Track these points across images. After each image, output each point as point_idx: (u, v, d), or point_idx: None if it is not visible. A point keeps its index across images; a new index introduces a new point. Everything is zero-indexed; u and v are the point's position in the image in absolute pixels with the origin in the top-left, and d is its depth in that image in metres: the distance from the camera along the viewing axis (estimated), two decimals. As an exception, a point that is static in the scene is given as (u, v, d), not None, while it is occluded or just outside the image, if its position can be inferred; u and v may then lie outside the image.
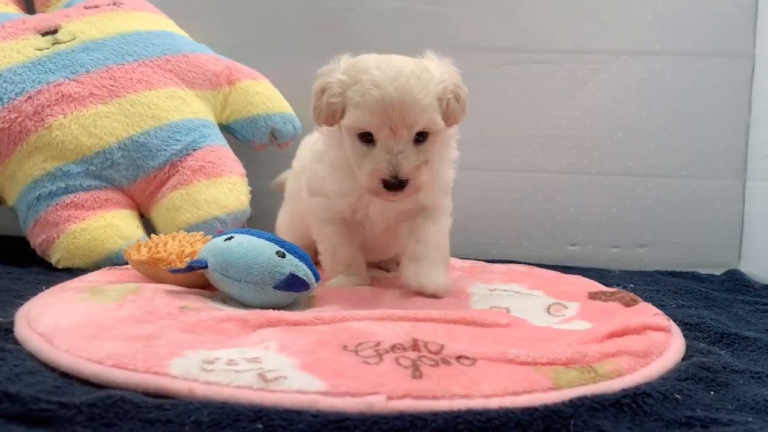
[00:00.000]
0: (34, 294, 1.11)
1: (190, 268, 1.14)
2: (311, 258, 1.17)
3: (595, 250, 1.86)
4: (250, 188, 1.72)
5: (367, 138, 1.12)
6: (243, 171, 1.71)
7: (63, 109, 1.55)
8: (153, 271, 1.19)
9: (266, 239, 1.16)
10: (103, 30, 1.67)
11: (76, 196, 1.53)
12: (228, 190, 1.64)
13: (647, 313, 1.10)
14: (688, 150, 1.83)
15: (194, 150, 1.63)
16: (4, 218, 1.76)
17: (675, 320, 1.09)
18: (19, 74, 1.57)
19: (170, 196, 1.60)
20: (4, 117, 1.53)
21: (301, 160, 1.42)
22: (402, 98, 1.07)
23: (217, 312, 1.01)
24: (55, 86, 1.57)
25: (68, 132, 1.54)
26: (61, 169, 1.54)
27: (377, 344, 0.85)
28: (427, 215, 1.25)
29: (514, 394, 0.73)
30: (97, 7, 1.74)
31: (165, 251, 1.19)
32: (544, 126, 1.86)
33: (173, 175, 1.61)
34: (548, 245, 1.86)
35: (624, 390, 0.77)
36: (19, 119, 1.54)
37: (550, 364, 0.83)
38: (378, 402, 0.68)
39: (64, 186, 1.53)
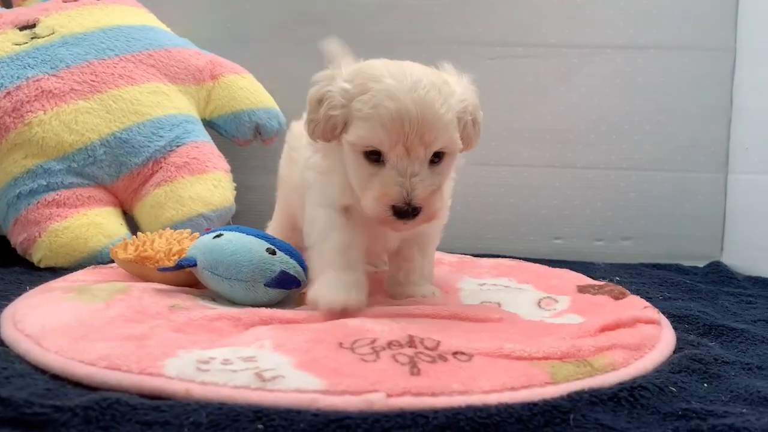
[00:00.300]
0: (18, 294, 1.09)
1: (179, 266, 1.12)
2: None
3: (579, 243, 1.87)
4: (235, 184, 1.70)
5: (375, 156, 0.96)
6: (228, 167, 1.70)
7: (43, 105, 1.52)
8: (140, 270, 1.18)
9: (256, 236, 1.15)
10: (82, 24, 1.64)
11: (57, 194, 1.51)
12: (213, 186, 1.62)
13: (637, 306, 1.10)
14: (670, 143, 1.85)
15: (178, 146, 1.61)
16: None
17: (663, 312, 1.10)
18: (-3, 69, 1.54)
19: (154, 193, 1.58)
20: (-18, 113, 1.51)
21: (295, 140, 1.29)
22: (421, 112, 0.92)
23: (208, 311, 1.00)
24: (34, 82, 1.54)
25: (49, 128, 1.51)
26: (42, 166, 1.51)
27: (373, 341, 0.84)
28: (415, 241, 1.16)
29: (513, 389, 0.73)
30: (76, 0, 1.71)
31: (152, 249, 1.17)
32: (528, 120, 1.86)
33: (157, 171, 1.59)
34: (534, 239, 1.87)
35: (620, 383, 0.77)
36: (-2, 115, 1.51)
37: (546, 358, 0.83)
38: (378, 400, 0.68)
39: (45, 183, 1.51)
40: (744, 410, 0.74)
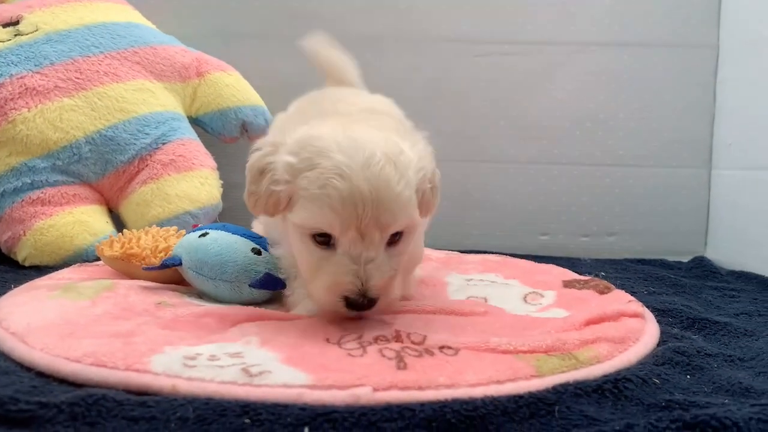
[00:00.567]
0: (2, 293, 1.08)
1: (164, 266, 1.12)
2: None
3: (565, 239, 1.89)
4: (222, 182, 1.70)
5: (324, 239, 0.87)
6: (214, 164, 1.69)
7: (27, 103, 1.51)
8: (126, 267, 1.17)
9: (241, 235, 1.14)
10: (66, 21, 1.63)
11: (42, 192, 1.50)
12: (199, 183, 1.62)
13: (621, 300, 1.11)
14: (654, 139, 1.87)
15: (164, 143, 1.61)
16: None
17: (647, 306, 1.11)
18: (-20, 67, 1.53)
19: (140, 191, 1.57)
20: (-35, 111, 1.49)
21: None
22: (375, 192, 0.83)
23: (195, 307, 1.00)
24: (18, 79, 1.52)
25: (33, 126, 1.50)
26: (26, 164, 1.50)
27: (360, 336, 0.85)
28: None
29: (499, 382, 0.74)
30: (60, -3, 1.70)
31: (138, 247, 1.17)
32: (513, 117, 1.87)
33: (143, 169, 1.59)
34: (520, 235, 1.88)
35: (605, 376, 0.78)
36: (-19, 113, 1.50)
37: (531, 352, 0.84)
38: (364, 394, 0.68)
39: (29, 181, 1.49)
40: (726, 401, 0.75)
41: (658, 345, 0.95)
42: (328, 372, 0.73)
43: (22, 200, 1.49)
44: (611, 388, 0.74)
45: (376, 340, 0.84)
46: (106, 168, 1.56)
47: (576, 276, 1.32)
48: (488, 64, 1.87)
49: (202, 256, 1.09)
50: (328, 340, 0.84)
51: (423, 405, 0.66)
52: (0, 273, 1.37)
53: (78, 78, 1.56)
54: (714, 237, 1.85)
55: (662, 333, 1.00)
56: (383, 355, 0.79)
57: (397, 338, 0.86)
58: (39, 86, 1.53)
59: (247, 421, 0.62)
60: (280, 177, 0.88)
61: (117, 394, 0.66)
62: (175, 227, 1.29)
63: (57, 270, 1.29)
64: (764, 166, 1.62)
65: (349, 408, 0.65)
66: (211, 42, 1.84)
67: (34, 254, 1.47)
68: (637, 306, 1.06)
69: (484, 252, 1.67)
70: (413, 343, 0.84)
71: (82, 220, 1.50)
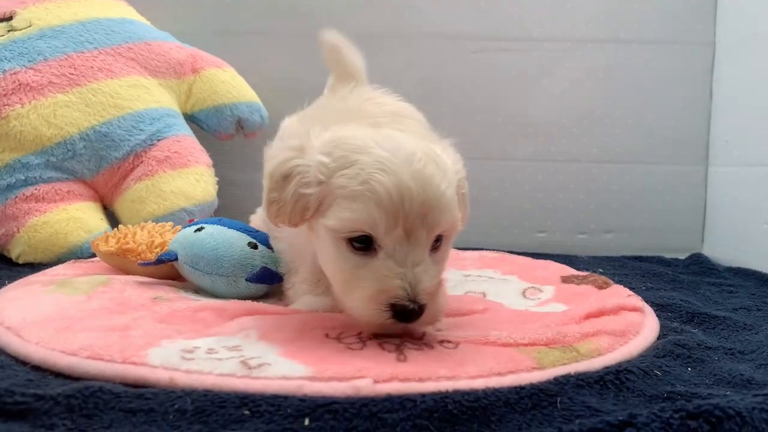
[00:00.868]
0: (-4, 290, 1.07)
1: (159, 261, 1.11)
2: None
3: (562, 236, 1.88)
4: (217, 179, 1.69)
5: (362, 244, 0.79)
6: (209, 161, 1.68)
7: (20, 99, 1.50)
8: (122, 263, 1.16)
9: (238, 230, 1.13)
10: (60, 17, 1.62)
11: (36, 189, 1.49)
12: (195, 180, 1.61)
13: (620, 294, 1.11)
14: (651, 137, 1.86)
15: (159, 140, 1.60)
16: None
17: (646, 302, 1.11)
18: (-27, 62, 1.52)
19: (135, 188, 1.56)
20: (-42, 107, 1.48)
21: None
22: (422, 189, 0.77)
23: (192, 302, 0.99)
24: (11, 75, 1.51)
25: (27, 122, 1.49)
26: (20, 160, 1.48)
27: (359, 333, 0.84)
28: None
29: (500, 374, 0.73)
30: (53, -8, 1.69)
31: (134, 242, 1.16)
32: (511, 114, 1.87)
33: (138, 165, 1.58)
34: (517, 232, 1.88)
35: (606, 368, 0.77)
36: (-26, 109, 1.48)
37: (531, 344, 0.83)
38: (365, 386, 0.68)
39: (23, 178, 1.48)
40: (728, 392, 0.74)
41: (658, 338, 0.95)
42: (328, 364, 0.72)
43: (16, 197, 1.47)
44: (613, 380, 0.74)
45: (375, 335, 0.83)
46: (101, 164, 1.55)
47: (574, 272, 1.32)
48: (484, 60, 1.86)
49: (198, 251, 1.08)
50: (327, 335, 0.83)
51: (424, 396, 0.65)
52: (-7, 270, 1.35)
53: (72, 74, 1.55)
54: (711, 234, 1.85)
55: (662, 327, 1.00)
56: (383, 348, 0.78)
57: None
58: (32, 82, 1.51)
59: (247, 412, 0.62)
60: (312, 179, 0.80)
61: (114, 387, 0.65)
62: (170, 223, 1.28)
63: (51, 267, 1.28)
64: (761, 162, 1.62)
65: (349, 399, 0.64)
66: (206, 39, 1.83)
67: (28, 251, 1.46)
68: (636, 300, 1.05)
69: (481, 249, 1.66)
70: (413, 337, 0.83)
71: (76, 217, 1.49)
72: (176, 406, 0.62)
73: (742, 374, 0.80)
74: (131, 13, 1.74)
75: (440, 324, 0.89)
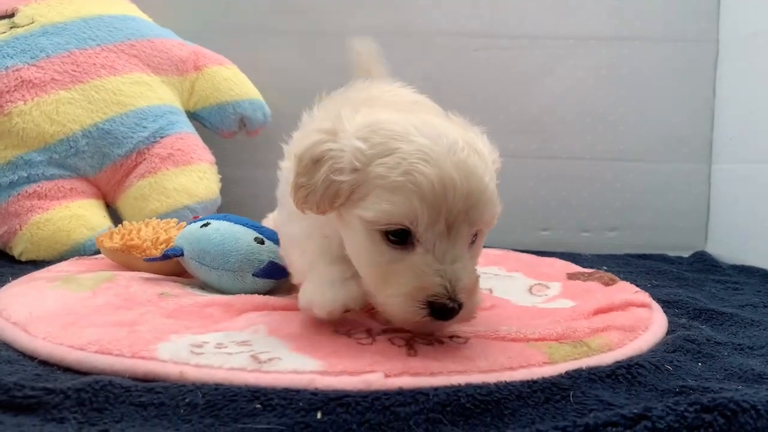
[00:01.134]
0: (0, 286, 1.06)
1: (165, 256, 1.10)
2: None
3: (566, 234, 1.88)
4: (220, 176, 1.68)
5: (399, 238, 0.75)
6: (212, 159, 1.68)
7: (23, 96, 1.49)
8: (126, 259, 1.15)
9: (244, 225, 1.13)
10: (62, 13, 1.61)
11: (39, 186, 1.48)
12: (198, 178, 1.60)
13: (627, 290, 1.11)
14: (655, 134, 1.86)
15: (162, 137, 1.59)
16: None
17: (653, 298, 1.10)
18: (-25, 59, 1.51)
19: (138, 185, 1.56)
20: (-40, 103, 1.47)
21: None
22: (466, 182, 0.73)
23: (199, 297, 0.98)
24: (13, 71, 1.50)
25: (29, 119, 1.48)
26: (22, 157, 1.48)
27: (369, 329, 0.83)
28: None
29: (511, 369, 0.73)
30: (55, -11, 1.68)
31: (139, 238, 1.15)
32: (513, 112, 1.86)
33: (140, 163, 1.57)
34: (521, 230, 1.87)
35: (617, 362, 0.77)
36: (-24, 106, 1.48)
37: (541, 340, 0.83)
38: (376, 380, 0.67)
39: (26, 175, 1.47)
40: (739, 387, 0.74)
41: (667, 334, 0.94)
42: (338, 359, 0.72)
43: (18, 194, 1.47)
44: (625, 374, 0.74)
45: (384, 331, 0.83)
46: (104, 162, 1.54)
47: (580, 269, 1.32)
48: (486, 58, 1.86)
49: (205, 246, 1.08)
50: (336, 330, 0.83)
51: (437, 390, 0.65)
52: (-4, 267, 1.35)
53: (75, 71, 1.54)
54: (714, 231, 1.85)
55: (670, 323, 1.00)
56: (393, 343, 0.78)
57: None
58: (35, 79, 1.51)
59: (258, 406, 0.61)
60: (346, 165, 0.75)
61: (124, 381, 0.65)
62: (175, 219, 1.28)
63: (54, 264, 1.27)
64: (764, 160, 1.62)
65: (361, 393, 0.63)
66: (208, 36, 1.82)
67: (31, 249, 1.45)
68: (644, 296, 1.05)
69: (485, 246, 1.66)
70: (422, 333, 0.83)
71: (79, 215, 1.49)
72: (187, 400, 0.62)
73: (753, 369, 0.80)
74: (133, 10, 1.74)
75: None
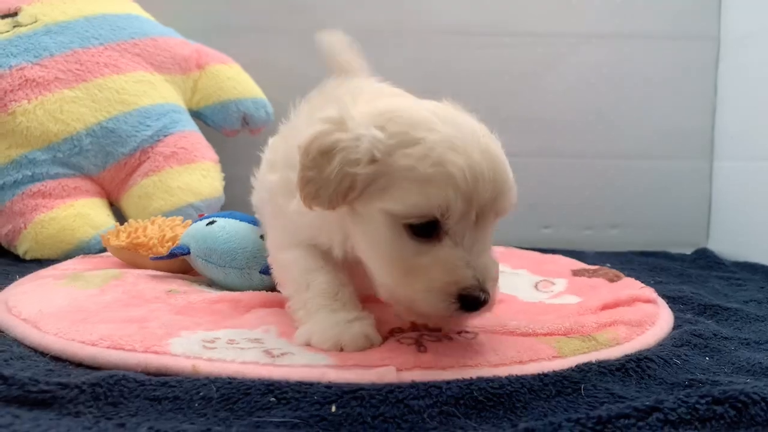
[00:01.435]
0: (5, 285, 1.06)
1: (172, 255, 1.11)
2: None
3: (568, 232, 1.88)
4: (223, 175, 1.69)
5: (425, 230, 0.71)
6: (216, 157, 1.68)
7: (27, 94, 1.49)
8: (132, 257, 1.16)
9: (249, 222, 1.13)
10: (66, 12, 1.61)
11: (43, 185, 1.48)
12: (201, 176, 1.61)
13: (633, 286, 1.11)
14: (656, 132, 1.87)
15: (165, 136, 1.59)
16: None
17: (658, 294, 1.11)
18: (-22, 58, 1.51)
19: (142, 184, 1.56)
20: (-36, 103, 1.47)
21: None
22: (493, 171, 0.71)
23: (207, 294, 0.98)
24: (17, 70, 1.50)
25: (33, 118, 1.48)
26: (26, 156, 1.48)
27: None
28: None
29: (521, 363, 0.74)
30: (58, -12, 1.68)
31: (145, 236, 1.15)
32: (516, 109, 1.87)
33: (144, 161, 1.57)
34: (523, 228, 1.88)
35: (626, 356, 0.78)
36: (-20, 105, 1.48)
37: (550, 334, 0.83)
38: (388, 373, 0.68)
39: (30, 174, 1.47)
40: (748, 380, 0.74)
41: (673, 329, 0.95)
42: (349, 354, 0.72)
43: (23, 193, 1.47)
44: (634, 368, 0.74)
45: (392, 332, 0.81)
46: (107, 160, 1.54)
47: (584, 265, 1.33)
48: (489, 56, 1.86)
49: (211, 244, 1.08)
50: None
51: (449, 383, 0.65)
52: (1, 266, 1.35)
53: (78, 69, 1.54)
54: (716, 228, 1.86)
55: (676, 318, 1.00)
56: (401, 343, 0.77)
57: (414, 327, 0.84)
58: (39, 78, 1.51)
59: (273, 399, 0.61)
60: (362, 156, 0.70)
61: (137, 375, 0.65)
62: (181, 217, 1.28)
63: (59, 263, 1.27)
64: (766, 157, 1.62)
65: (375, 386, 0.64)
66: (210, 35, 1.82)
67: (35, 248, 1.45)
68: (649, 292, 1.06)
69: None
70: (430, 330, 0.83)
71: (83, 213, 1.49)
72: (201, 394, 0.62)
73: (760, 363, 0.80)
74: (136, 9, 1.74)
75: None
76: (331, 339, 0.74)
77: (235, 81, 1.74)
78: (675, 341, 0.87)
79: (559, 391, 0.67)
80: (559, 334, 0.83)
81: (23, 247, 1.46)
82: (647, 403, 0.61)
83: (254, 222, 1.13)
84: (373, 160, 0.71)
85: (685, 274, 1.44)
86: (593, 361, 0.74)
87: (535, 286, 1.17)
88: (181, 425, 0.56)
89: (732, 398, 0.62)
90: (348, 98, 0.79)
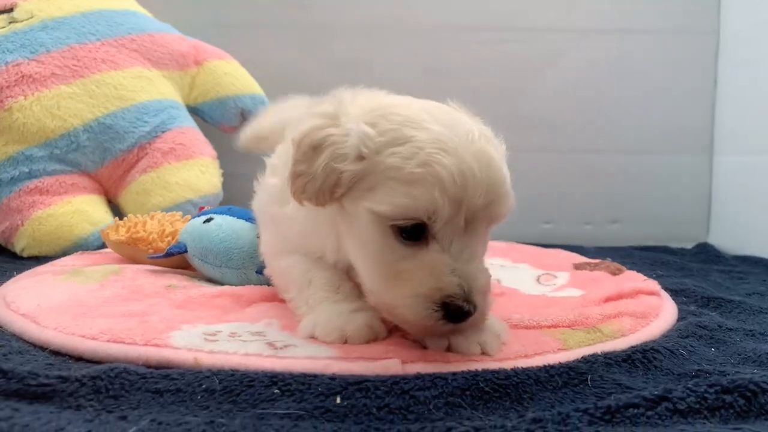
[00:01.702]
0: (2, 282, 1.05)
1: (168, 254, 1.09)
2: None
3: (568, 227, 1.88)
4: (221, 171, 1.68)
5: (412, 233, 0.69)
6: (214, 153, 1.67)
7: (23, 90, 1.48)
8: (132, 252, 1.15)
9: (247, 219, 1.11)
10: (62, 8, 1.60)
11: (40, 181, 1.47)
12: (200, 172, 1.60)
13: (635, 279, 1.11)
14: (656, 127, 1.86)
15: (163, 132, 1.58)
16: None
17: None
18: (-26, 54, 1.50)
19: (140, 180, 1.55)
20: (-40, 99, 1.46)
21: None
22: (486, 174, 0.67)
23: (207, 289, 0.97)
24: (13, 66, 1.49)
25: (30, 114, 1.47)
26: (23, 153, 1.46)
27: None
28: None
29: (526, 356, 0.73)
30: (54, -16, 1.66)
31: (144, 231, 1.14)
32: (516, 105, 1.86)
33: (142, 157, 1.56)
34: (523, 224, 1.87)
35: (632, 347, 0.77)
36: (-24, 101, 1.46)
37: (554, 327, 0.83)
38: (393, 365, 0.67)
39: (27, 171, 1.46)
40: (755, 370, 0.74)
41: (678, 321, 0.94)
42: (354, 347, 0.71)
43: (20, 189, 1.45)
44: (641, 358, 0.74)
45: (397, 327, 0.80)
46: (105, 156, 1.53)
47: (585, 259, 1.32)
48: (489, 52, 1.85)
49: (207, 244, 1.06)
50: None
51: (455, 374, 0.64)
52: (-1, 263, 1.34)
53: (75, 65, 1.53)
54: (716, 223, 1.85)
55: (679, 310, 1.00)
56: (405, 338, 0.76)
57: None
58: (35, 74, 1.49)
59: (277, 391, 0.61)
60: (350, 152, 0.69)
61: (138, 368, 0.64)
62: (180, 212, 1.27)
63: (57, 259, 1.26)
64: (766, 151, 1.62)
65: (379, 377, 0.63)
66: (208, 31, 1.81)
67: (33, 244, 1.44)
68: (652, 284, 1.05)
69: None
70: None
71: (81, 210, 1.47)
72: (204, 386, 0.61)
73: (767, 353, 0.80)
74: (133, 5, 1.72)
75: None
76: (336, 330, 0.73)
77: (233, 77, 1.73)
78: (680, 332, 0.86)
79: (566, 382, 0.66)
80: (563, 326, 0.83)
81: (21, 245, 1.45)
82: (656, 392, 0.60)
83: (252, 219, 1.12)
84: (361, 157, 0.69)
85: (687, 267, 1.44)
86: (599, 352, 0.74)
87: (537, 280, 1.17)
88: (184, 417, 0.56)
89: (741, 387, 0.61)
90: (348, 95, 0.77)
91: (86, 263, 1.15)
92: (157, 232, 1.14)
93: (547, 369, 0.68)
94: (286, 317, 0.83)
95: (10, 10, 1.58)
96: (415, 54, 1.85)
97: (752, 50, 1.70)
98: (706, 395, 0.60)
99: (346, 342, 0.72)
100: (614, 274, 1.17)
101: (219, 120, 1.73)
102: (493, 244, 1.50)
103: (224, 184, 1.67)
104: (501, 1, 1.84)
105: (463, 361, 0.70)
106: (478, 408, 0.61)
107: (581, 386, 0.66)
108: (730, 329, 0.91)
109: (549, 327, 0.82)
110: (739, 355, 0.81)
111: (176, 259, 1.12)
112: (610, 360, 0.72)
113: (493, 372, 0.66)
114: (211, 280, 1.10)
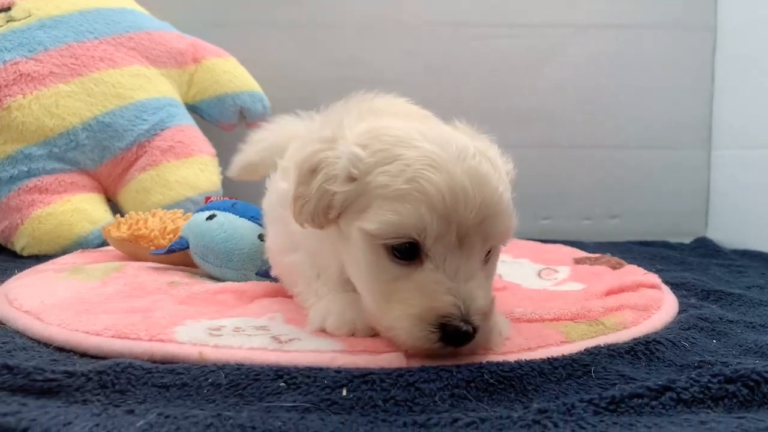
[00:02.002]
0: (3, 280, 1.05)
1: (170, 250, 1.09)
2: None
3: (567, 222, 1.88)
4: (220, 169, 1.68)
5: (405, 253, 0.67)
6: (213, 151, 1.67)
7: (22, 89, 1.48)
8: (133, 249, 1.15)
9: (250, 218, 1.11)
10: (60, 6, 1.59)
11: (39, 180, 1.46)
12: (199, 170, 1.60)
13: (636, 273, 1.11)
14: (654, 121, 1.87)
15: (162, 130, 1.58)
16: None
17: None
18: (-28, 53, 1.49)
19: (139, 178, 1.55)
20: (-41, 98, 1.46)
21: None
22: (479, 190, 0.66)
23: (210, 285, 0.98)
24: (11, 65, 1.49)
25: (29, 113, 1.47)
26: (22, 151, 1.46)
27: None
28: None
29: (529, 349, 0.73)
30: (51, -18, 1.66)
31: (146, 228, 1.14)
32: (513, 100, 1.87)
33: (141, 156, 1.56)
34: (521, 219, 1.83)
35: (634, 339, 0.77)
36: (-25, 100, 1.46)
37: (557, 320, 0.83)
38: (398, 358, 0.67)
39: (26, 169, 1.46)
40: (757, 361, 0.74)
41: (679, 313, 0.95)
42: (358, 341, 0.71)
43: (19, 188, 1.45)
44: (643, 350, 0.74)
45: None
46: (104, 155, 1.53)
47: (585, 253, 1.33)
48: (487, 47, 1.86)
49: (208, 243, 1.06)
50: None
51: (460, 367, 0.65)
52: (-1, 262, 1.34)
53: (73, 64, 1.53)
54: (715, 217, 1.86)
55: (680, 303, 1.00)
56: (409, 332, 0.77)
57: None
58: (33, 72, 1.49)
59: (282, 384, 0.61)
60: (341, 173, 0.69)
61: (144, 363, 0.64)
62: (181, 210, 1.27)
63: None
64: (763, 145, 1.63)
65: (384, 370, 0.63)
66: (206, 30, 1.81)
67: (33, 243, 1.44)
68: (653, 278, 1.06)
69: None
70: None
71: (80, 208, 1.47)
72: (210, 380, 0.61)
73: (768, 344, 0.81)
74: (131, 3, 1.72)
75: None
76: (347, 324, 0.73)
77: (231, 74, 1.74)
78: (682, 325, 0.87)
79: (570, 374, 0.67)
80: (566, 319, 0.83)
81: (20, 243, 1.45)
82: (660, 382, 0.61)
83: (255, 217, 1.11)
84: (351, 178, 0.69)
85: (686, 262, 1.44)
86: (602, 344, 0.74)
87: (538, 274, 1.17)
88: (191, 411, 0.56)
89: (744, 377, 0.62)
90: (352, 117, 0.77)
91: (87, 261, 1.15)
92: (158, 229, 1.14)
93: (551, 361, 0.68)
94: (290, 311, 0.83)
95: (8, 8, 1.58)
96: (413, 51, 1.85)
97: (749, 45, 1.70)
98: (709, 385, 0.61)
99: (353, 335, 0.72)
100: (615, 268, 1.17)
101: (218, 118, 1.73)
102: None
103: (223, 182, 1.67)
104: (499, -3, 1.85)
105: (466, 354, 0.70)
106: (483, 400, 0.61)
107: (585, 378, 0.66)
108: (731, 321, 0.91)
109: (552, 320, 0.83)
110: (741, 346, 0.81)
111: (178, 255, 1.12)
112: (613, 352, 0.72)
113: (498, 364, 0.66)
114: (212, 277, 1.10)
